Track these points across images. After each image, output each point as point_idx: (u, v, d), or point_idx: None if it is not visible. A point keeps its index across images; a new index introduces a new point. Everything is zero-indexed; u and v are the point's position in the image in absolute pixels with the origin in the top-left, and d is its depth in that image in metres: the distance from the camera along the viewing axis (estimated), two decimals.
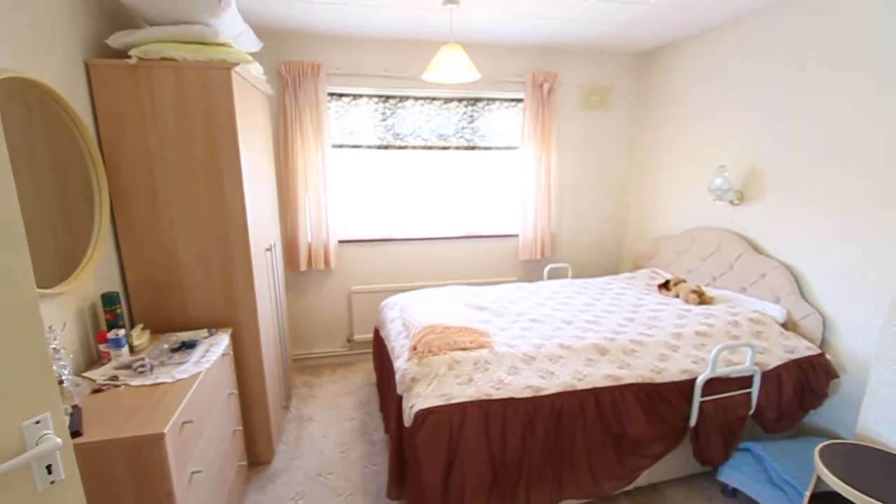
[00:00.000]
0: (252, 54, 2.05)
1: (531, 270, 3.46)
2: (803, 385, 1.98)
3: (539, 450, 1.67)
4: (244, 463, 1.99)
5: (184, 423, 1.31)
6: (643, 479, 1.92)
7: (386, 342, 2.34)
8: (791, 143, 2.24)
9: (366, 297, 3.16)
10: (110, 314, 1.59)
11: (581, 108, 3.31)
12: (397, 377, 1.86)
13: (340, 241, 3.09)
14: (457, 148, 3.21)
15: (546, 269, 3.17)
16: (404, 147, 3.12)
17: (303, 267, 2.97)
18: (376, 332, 2.64)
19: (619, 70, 3.33)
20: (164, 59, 1.64)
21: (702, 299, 2.46)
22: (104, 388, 1.37)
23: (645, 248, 3.32)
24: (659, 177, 3.21)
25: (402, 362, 1.91)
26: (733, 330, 2.10)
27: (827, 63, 2.06)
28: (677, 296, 2.59)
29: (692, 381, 1.82)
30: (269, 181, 2.38)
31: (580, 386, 1.73)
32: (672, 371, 1.84)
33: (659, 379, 1.81)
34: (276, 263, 2.34)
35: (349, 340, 3.23)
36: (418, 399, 1.66)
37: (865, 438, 1.65)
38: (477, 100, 3.17)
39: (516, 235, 3.38)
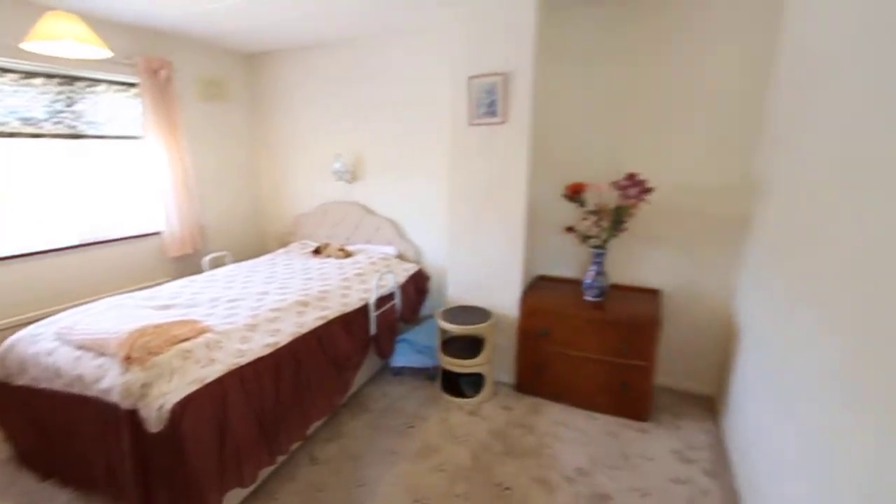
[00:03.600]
0: None
1: (186, 266, 3.33)
2: (417, 288, 3.17)
3: (289, 391, 2.00)
4: None
5: None
6: (353, 387, 2.59)
7: (48, 384, 1.87)
8: (379, 137, 3.34)
9: None
10: None
11: (201, 98, 3.38)
12: (115, 396, 1.67)
13: None
14: (55, 136, 2.61)
15: (206, 261, 3.18)
16: None
17: None
18: (5, 385, 1.99)
19: (234, 66, 3.60)
20: None
21: (347, 254, 3.30)
22: None
23: (287, 226, 3.86)
24: (288, 163, 3.79)
25: (113, 379, 1.70)
26: (375, 267, 3.04)
27: (375, 82, 3.21)
28: (329, 256, 3.32)
29: (366, 305, 2.60)
30: None
31: (303, 331, 2.16)
32: (354, 301, 2.56)
33: (348, 309, 2.49)
34: None
35: None
36: (166, 396, 1.62)
37: (454, 302, 2.92)
38: (75, 79, 2.66)
39: (160, 233, 3.14)
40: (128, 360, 1.74)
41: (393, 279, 2.87)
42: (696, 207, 2.49)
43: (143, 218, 3.11)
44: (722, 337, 2.50)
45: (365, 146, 3.43)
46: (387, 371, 2.95)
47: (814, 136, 1.56)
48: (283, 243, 3.79)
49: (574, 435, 2.32)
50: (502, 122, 2.50)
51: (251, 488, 1.90)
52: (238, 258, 3.68)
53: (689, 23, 2.35)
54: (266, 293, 2.54)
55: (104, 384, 1.72)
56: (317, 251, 3.37)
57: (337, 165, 3.43)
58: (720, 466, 2.08)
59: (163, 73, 2.98)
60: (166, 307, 2.33)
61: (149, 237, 3.11)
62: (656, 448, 2.21)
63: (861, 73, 1.24)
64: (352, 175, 3.50)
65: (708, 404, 2.58)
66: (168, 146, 3.07)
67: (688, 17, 2.34)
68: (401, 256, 3.34)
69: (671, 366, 2.67)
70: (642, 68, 2.49)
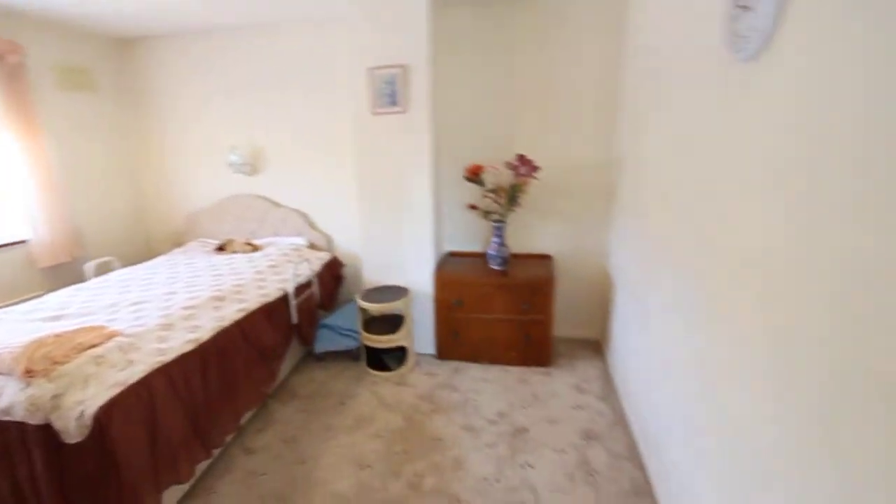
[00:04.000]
0: None
1: (63, 276, 2.96)
2: (333, 275, 3.23)
3: (217, 384, 1.99)
4: None
5: None
6: (280, 376, 2.59)
7: None
8: (280, 128, 3.29)
9: None
10: None
11: (62, 88, 3.00)
12: (20, 414, 1.53)
13: None
14: None
15: (90, 268, 2.87)
16: None
17: None
18: None
19: (103, 52, 3.24)
20: None
21: (255, 248, 3.22)
22: None
23: (180, 225, 3.61)
24: (177, 158, 3.53)
25: (12, 396, 1.56)
26: (288, 258, 3.03)
27: (274, 72, 3.18)
28: (235, 252, 3.21)
29: (285, 295, 2.62)
30: None
31: (225, 324, 2.14)
32: (273, 292, 2.56)
33: (269, 299, 2.48)
34: None
35: None
36: (84, 404, 1.54)
37: (371, 284, 3.04)
38: None
39: (26, 241, 2.76)
40: (28, 374, 1.60)
41: (309, 268, 2.90)
42: (576, 182, 2.93)
43: (1, 226, 2.71)
44: (602, 289, 2.99)
45: (264, 137, 3.35)
46: (311, 358, 2.98)
47: (654, 117, 1.99)
48: (178, 243, 3.54)
49: (492, 387, 2.62)
50: (404, 112, 2.67)
51: (189, 484, 1.87)
52: (126, 263, 3.36)
53: (560, 19, 2.73)
54: (173, 293, 2.42)
55: (2, 404, 1.56)
56: (221, 248, 3.23)
57: (233, 158, 3.31)
58: (608, 391, 2.53)
59: (12, 58, 2.61)
60: (57, 318, 2.12)
61: (12, 247, 2.72)
62: (559, 386, 2.61)
63: (679, 70, 1.64)
64: (251, 167, 3.39)
65: (596, 346, 3.08)
66: (24, 142, 2.70)
67: (560, 13, 2.72)
68: (312, 246, 3.35)
69: (565, 318, 3.12)
70: (526, 59, 2.83)
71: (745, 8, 1.07)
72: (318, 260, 3.14)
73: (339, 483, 1.94)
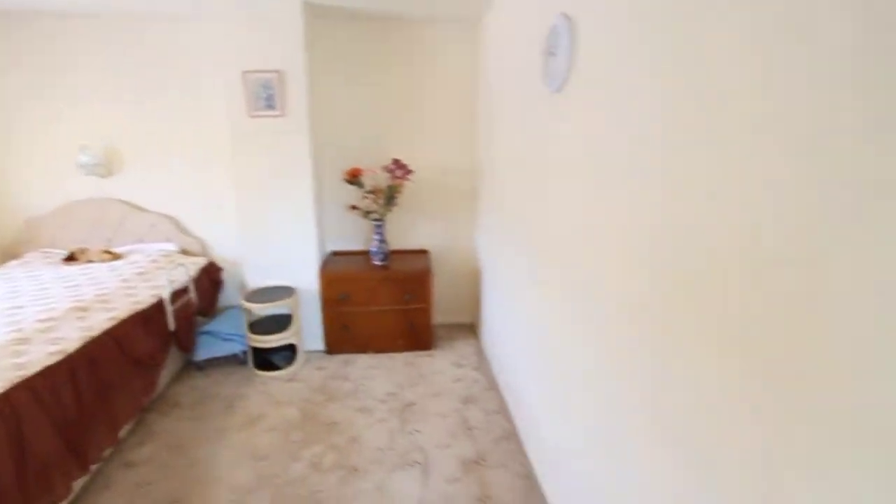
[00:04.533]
0: None
1: None
2: (211, 280, 3.13)
3: (91, 396, 1.88)
4: None
5: None
6: (158, 388, 2.47)
7: None
8: (143, 127, 3.07)
9: None
10: None
11: None
12: None
13: None
14: None
15: None
16: None
17: None
18: None
19: None
20: None
21: (115, 256, 2.96)
22: None
23: (16, 234, 3.12)
24: (6, 160, 3.04)
25: None
26: (158, 265, 2.86)
27: (136, 67, 3.00)
28: (90, 261, 2.91)
29: (160, 302, 2.51)
30: None
31: (95, 333, 2.01)
32: (146, 299, 2.43)
33: (142, 307, 2.36)
34: None
35: None
36: None
37: (255, 286, 3.03)
38: None
39: None
40: None
41: (185, 273, 2.79)
42: (448, 184, 3.31)
43: None
44: (474, 278, 3.41)
45: (125, 137, 3.09)
46: (192, 367, 2.86)
47: (499, 129, 2.44)
48: (13, 255, 3.06)
49: (382, 373, 2.85)
50: (282, 115, 2.76)
51: (68, 501, 1.75)
52: None
53: (426, 41, 3.07)
54: (20, 307, 2.17)
55: None
56: (71, 258, 2.91)
57: (84, 158, 2.99)
58: (482, 363, 2.95)
59: None
60: None
61: None
62: (441, 364, 2.95)
63: (516, 94, 2.08)
64: (106, 169, 3.10)
65: (471, 328, 3.50)
66: None
67: (425, 36, 3.07)
68: (185, 252, 3.19)
69: (444, 306, 3.48)
70: (400, 73, 3.11)
71: (552, 55, 1.49)
72: (194, 265, 3.03)
73: (237, 477, 1.99)
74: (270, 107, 2.73)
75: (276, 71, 2.67)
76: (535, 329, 1.87)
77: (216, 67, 2.85)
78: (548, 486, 1.80)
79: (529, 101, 1.87)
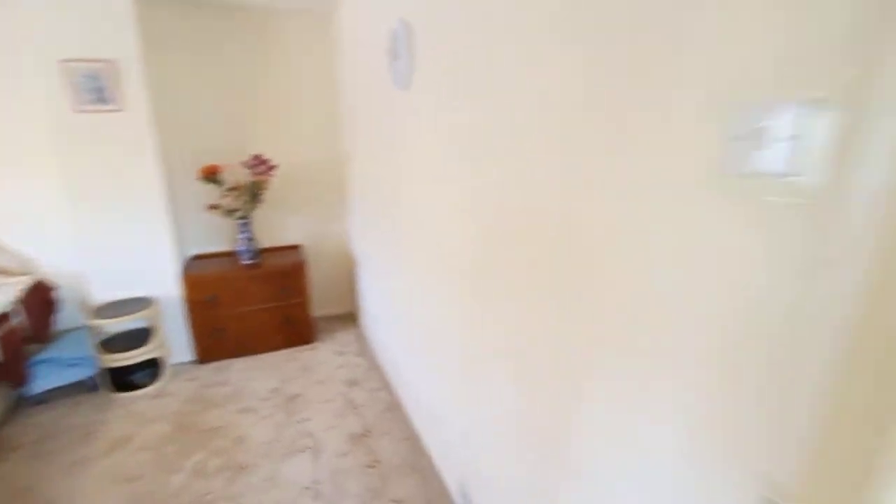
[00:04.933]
0: None
1: None
2: (42, 300, 2.72)
3: None
4: None
5: None
6: None
7: None
8: None
9: None
10: None
11: None
12: None
13: None
14: None
15: None
16: None
17: None
18: None
19: None
20: None
21: None
22: None
23: None
24: None
25: None
26: None
27: None
28: None
29: None
30: None
31: None
32: None
33: None
34: None
35: None
36: None
37: (103, 300, 2.72)
38: None
39: None
40: None
41: (3, 296, 2.40)
42: (316, 177, 3.33)
43: None
44: (350, 268, 3.51)
45: None
46: (27, 403, 2.49)
47: (361, 123, 2.57)
48: None
49: (263, 372, 2.82)
50: (119, 110, 2.51)
51: None
52: None
53: (276, 34, 3.03)
54: None
55: None
56: None
57: None
58: (364, 349, 3.09)
59: None
60: None
61: None
62: (324, 355, 3.02)
63: (371, 91, 2.24)
64: None
65: (351, 318, 3.60)
66: None
67: (276, 29, 3.02)
68: (1, 272, 2.71)
69: (323, 299, 3.52)
70: (253, 67, 3.01)
71: (397, 57, 1.68)
72: (18, 285, 2.60)
73: (108, 503, 1.85)
74: (102, 101, 2.47)
75: (106, 60, 2.41)
76: (405, 303, 2.08)
77: (30, 56, 2.46)
78: (430, 441, 2.04)
79: (384, 95, 2.03)
